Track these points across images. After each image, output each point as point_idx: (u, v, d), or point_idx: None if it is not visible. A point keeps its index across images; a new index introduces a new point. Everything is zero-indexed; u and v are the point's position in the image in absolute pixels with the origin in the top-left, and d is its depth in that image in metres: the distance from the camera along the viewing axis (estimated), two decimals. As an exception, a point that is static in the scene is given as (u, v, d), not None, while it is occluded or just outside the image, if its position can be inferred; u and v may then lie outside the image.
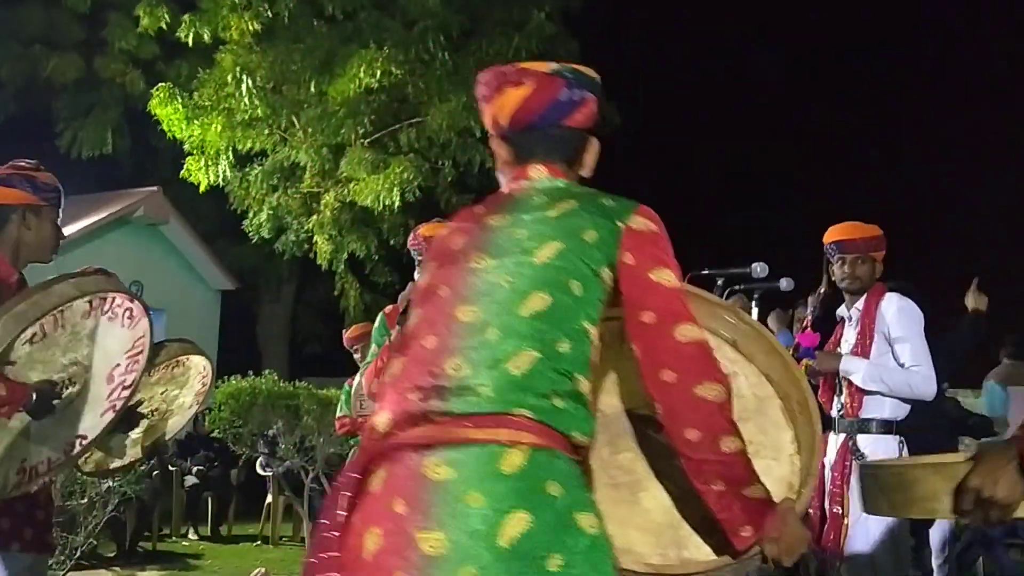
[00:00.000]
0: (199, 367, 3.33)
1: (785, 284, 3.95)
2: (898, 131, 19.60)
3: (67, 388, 2.73)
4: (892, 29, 19.96)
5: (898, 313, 3.77)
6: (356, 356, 5.49)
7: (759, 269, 3.74)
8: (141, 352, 2.88)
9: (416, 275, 3.28)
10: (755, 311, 4.09)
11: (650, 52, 17.36)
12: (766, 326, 4.14)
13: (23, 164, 2.95)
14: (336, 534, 1.49)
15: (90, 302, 2.70)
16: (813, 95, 19.76)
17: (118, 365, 2.88)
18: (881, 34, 20.13)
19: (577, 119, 1.78)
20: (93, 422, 2.85)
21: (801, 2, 19.33)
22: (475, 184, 12.06)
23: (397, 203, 10.66)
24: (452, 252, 1.69)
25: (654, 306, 1.60)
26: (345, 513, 1.50)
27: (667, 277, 1.62)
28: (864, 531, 3.72)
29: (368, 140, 11.22)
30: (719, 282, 3.79)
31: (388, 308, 3.42)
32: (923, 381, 3.76)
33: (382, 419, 1.56)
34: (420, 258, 3.31)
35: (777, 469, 1.82)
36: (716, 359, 1.62)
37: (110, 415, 2.85)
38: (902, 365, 3.72)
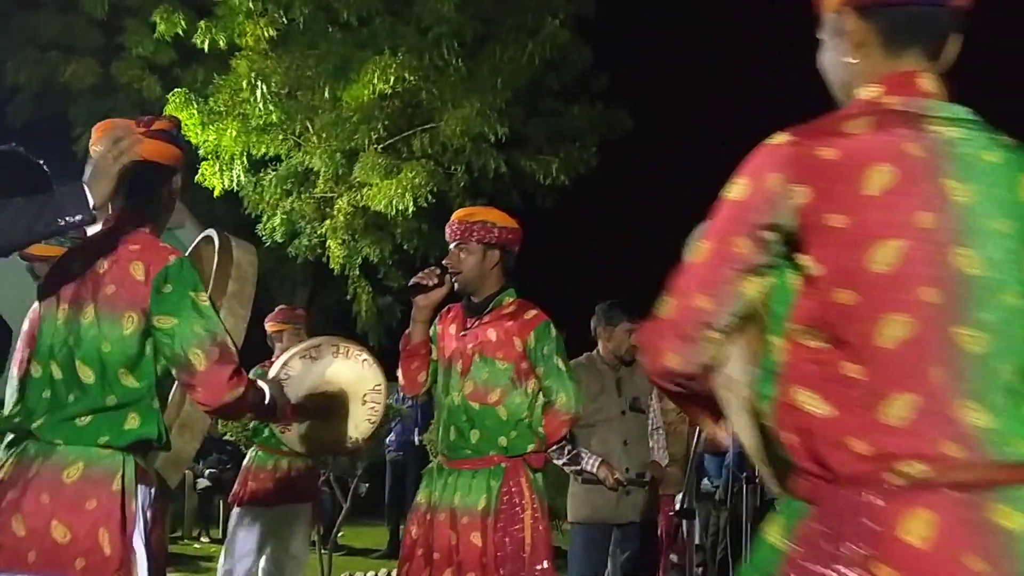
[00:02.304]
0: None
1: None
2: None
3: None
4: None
5: None
6: (278, 343, 4.92)
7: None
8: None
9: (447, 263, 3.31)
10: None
11: (663, 57, 17.37)
12: None
13: (171, 119, 2.55)
14: None
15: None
16: (831, 101, 19.67)
17: None
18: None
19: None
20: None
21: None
22: (488, 189, 12.08)
23: (410, 208, 10.69)
24: (921, 231, 1.32)
25: None
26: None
27: None
28: None
29: (382, 145, 11.26)
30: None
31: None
32: None
33: (914, 465, 1.30)
34: (452, 245, 3.32)
35: None
36: None
37: None
38: None
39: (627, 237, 18.99)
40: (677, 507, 3.81)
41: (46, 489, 2.14)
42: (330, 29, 11.32)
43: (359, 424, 3.89)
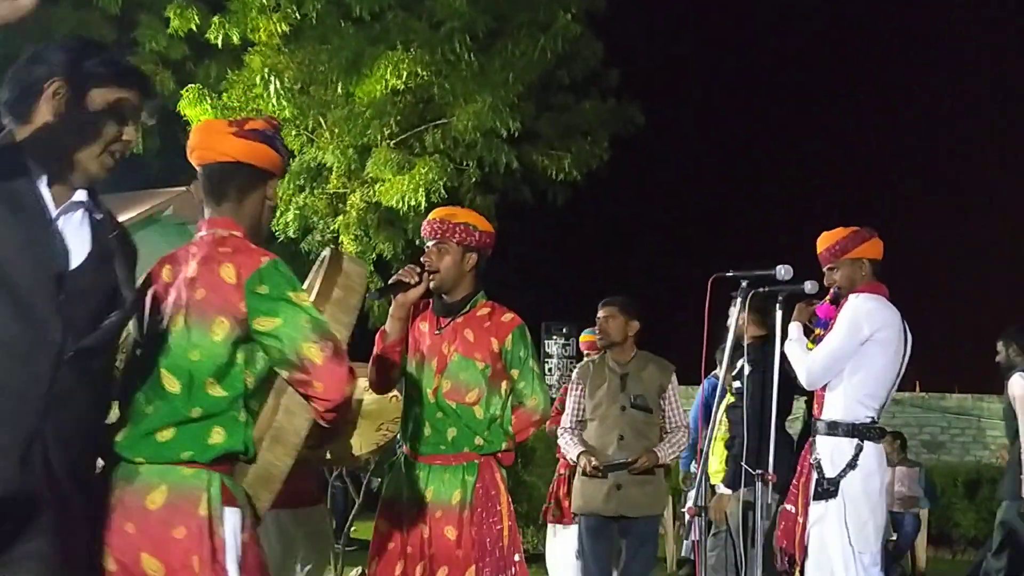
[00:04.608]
0: None
1: (810, 287, 3.96)
2: (928, 135, 19.43)
3: None
4: (920, 30, 19.81)
5: (846, 306, 3.89)
6: None
7: (783, 271, 3.74)
8: None
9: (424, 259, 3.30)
10: (779, 313, 4.09)
11: (675, 53, 17.33)
12: (789, 325, 4.15)
13: (268, 120, 2.40)
14: None
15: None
16: (842, 97, 19.64)
17: None
18: (911, 34, 19.97)
19: None
20: None
21: (828, 3, 19.22)
22: (499, 185, 12.09)
23: (423, 203, 10.71)
24: None
25: None
26: None
27: None
28: (818, 535, 3.73)
29: (394, 141, 11.28)
30: (743, 284, 3.80)
31: None
32: (804, 369, 3.87)
33: None
34: (430, 243, 3.34)
35: None
36: None
37: None
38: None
39: (638, 232, 18.98)
40: (689, 504, 3.82)
41: (131, 519, 2.02)
42: (343, 24, 11.33)
43: (365, 445, 4.00)
